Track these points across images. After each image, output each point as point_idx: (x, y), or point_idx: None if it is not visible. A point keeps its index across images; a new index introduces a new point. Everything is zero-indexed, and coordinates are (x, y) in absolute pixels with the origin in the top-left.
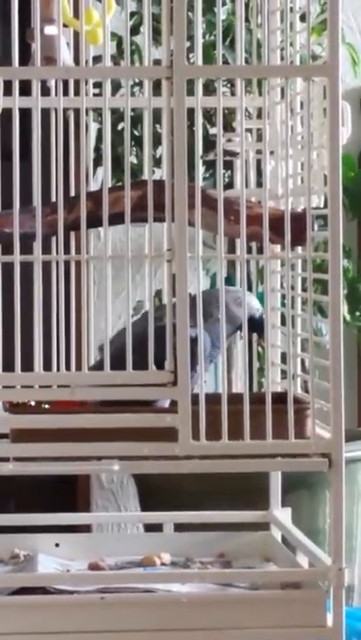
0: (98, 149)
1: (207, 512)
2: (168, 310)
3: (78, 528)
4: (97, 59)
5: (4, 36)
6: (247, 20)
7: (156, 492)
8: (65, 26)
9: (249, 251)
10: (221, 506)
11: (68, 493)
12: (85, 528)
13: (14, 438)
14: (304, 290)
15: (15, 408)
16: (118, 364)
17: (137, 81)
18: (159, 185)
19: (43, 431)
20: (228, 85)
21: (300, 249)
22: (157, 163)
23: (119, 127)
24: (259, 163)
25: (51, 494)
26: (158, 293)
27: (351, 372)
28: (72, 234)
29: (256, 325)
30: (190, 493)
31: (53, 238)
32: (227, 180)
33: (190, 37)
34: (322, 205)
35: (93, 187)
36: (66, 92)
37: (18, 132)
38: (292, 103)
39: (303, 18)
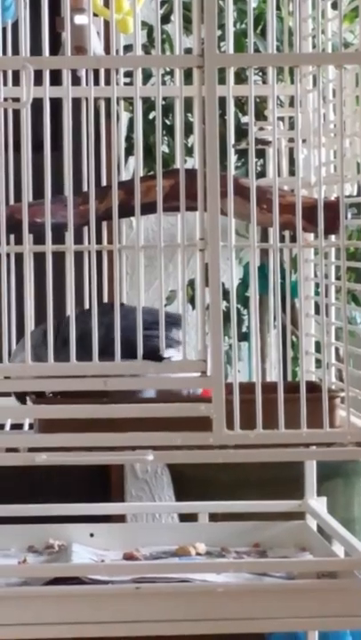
0: (129, 139)
1: (242, 502)
2: (199, 300)
3: (113, 518)
4: (127, 48)
5: (34, 26)
6: (278, 7)
7: (190, 482)
8: (95, 15)
9: (282, 239)
10: (256, 495)
11: (101, 484)
12: (120, 518)
13: (45, 429)
14: (338, 278)
15: (40, 398)
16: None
17: (168, 70)
18: (191, 174)
19: (74, 421)
20: (260, 74)
21: (333, 237)
22: (189, 152)
23: (150, 116)
24: (291, 151)
25: (84, 485)
26: (191, 283)
27: None
28: (104, 224)
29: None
30: (225, 483)
31: (85, 228)
32: (259, 168)
33: (221, 26)
34: (355, 193)
35: (125, 176)
36: (96, 82)
37: (49, 122)
38: (324, 91)
39: (335, 5)
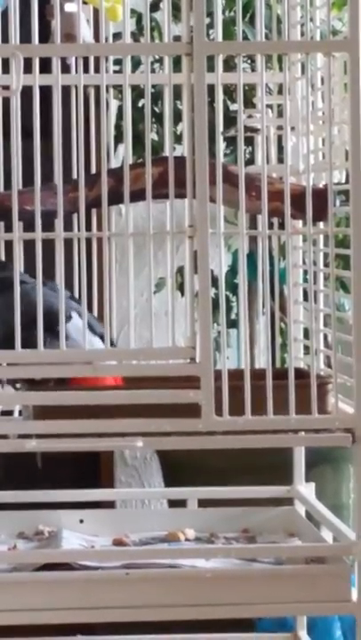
0: (118, 126)
1: (231, 487)
2: (188, 287)
3: (102, 504)
4: (117, 36)
5: (23, 14)
6: None
7: (179, 469)
8: (84, 3)
9: (270, 227)
10: (245, 481)
11: (91, 470)
12: (109, 504)
13: (36, 415)
14: (326, 265)
15: (32, 385)
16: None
17: (157, 58)
18: (180, 161)
19: (64, 408)
20: (249, 61)
21: (321, 224)
22: (178, 139)
23: (139, 104)
24: (280, 139)
25: (74, 471)
26: (180, 270)
27: None
28: (93, 211)
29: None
30: (214, 469)
31: (75, 216)
32: (248, 156)
33: (210, 14)
34: (343, 181)
35: (114, 164)
36: (86, 70)
37: (38, 109)
38: (312, 79)
39: None
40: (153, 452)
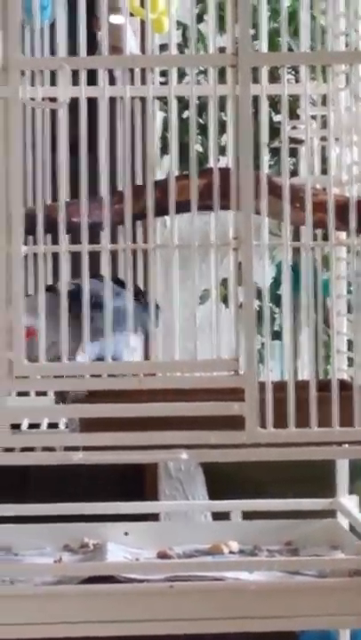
0: (164, 138)
1: (274, 500)
2: (232, 299)
3: (147, 517)
4: (162, 47)
5: (70, 26)
6: (311, 6)
7: (223, 480)
8: (131, 15)
9: (314, 238)
10: (287, 493)
11: (135, 483)
12: (154, 517)
13: (83, 427)
14: None
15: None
16: None
17: (202, 69)
18: (224, 173)
19: (109, 420)
20: (293, 72)
21: None
22: (222, 151)
23: (184, 115)
24: (323, 149)
25: (119, 483)
26: (224, 282)
27: None
28: (138, 223)
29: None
30: (256, 481)
31: (120, 227)
32: (292, 167)
33: (255, 25)
34: None
35: (159, 175)
36: (132, 81)
37: (85, 121)
38: (356, 89)
39: None
40: (197, 464)
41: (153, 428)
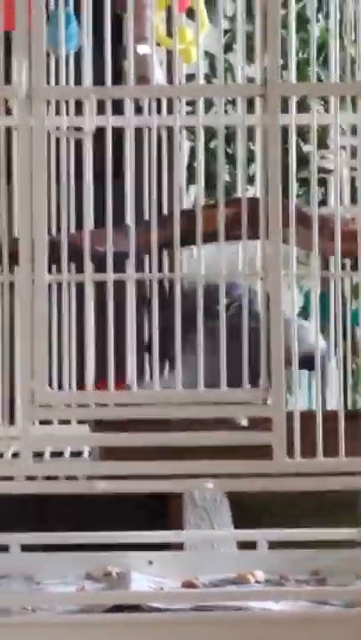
0: (190, 167)
1: (301, 530)
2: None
3: (170, 547)
4: (189, 77)
5: (96, 55)
6: (341, 36)
7: (248, 509)
8: (158, 45)
9: (343, 268)
10: (314, 522)
11: (159, 512)
12: (178, 547)
13: (103, 456)
14: None
15: (99, 426)
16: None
17: (230, 98)
18: (253, 202)
19: (132, 449)
20: (322, 102)
21: None
22: (251, 180)
23: (211, 145)
24: (353, 179)
25: (142, 512)
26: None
27: None
28: (165, 253)
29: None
30: (282, 510)
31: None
32: (321, 197)
33: (284, 55)
34: None
35: (186, 205)
36: (158, 111)
37: (111, 151)
38: None
39: None
40: (223, 493)
41: (179, 457)
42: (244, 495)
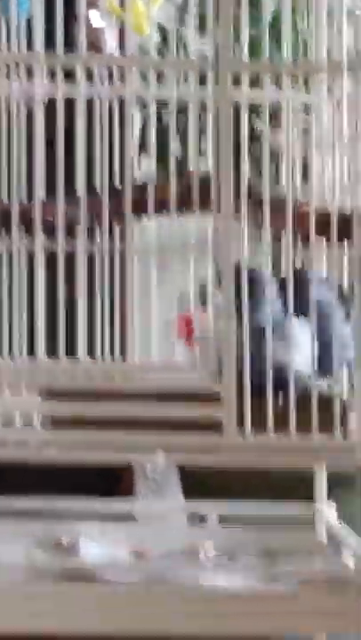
0: (141, 139)
1: (252, 503)
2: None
3: (122, 517)
4: (141, 49)
5: (48, 22)
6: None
7: (198, 483)
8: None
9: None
10: (266, 499)
11: (110, 482)
12: (129, 517)
13: (54, 425)
14: None
15: (51, 395)
16: None
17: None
18: (204, 177)
19: (84, 419)
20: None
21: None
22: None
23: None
24: (305, 158)
25: (92, 482)
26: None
27: None
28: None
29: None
30: (233, 486)
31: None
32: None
33: (236, 30)
34: None
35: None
36: (110, 81)
37: (62, 121)
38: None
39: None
40: (173, 466)
41: (129, 429)
42: (199, 471)
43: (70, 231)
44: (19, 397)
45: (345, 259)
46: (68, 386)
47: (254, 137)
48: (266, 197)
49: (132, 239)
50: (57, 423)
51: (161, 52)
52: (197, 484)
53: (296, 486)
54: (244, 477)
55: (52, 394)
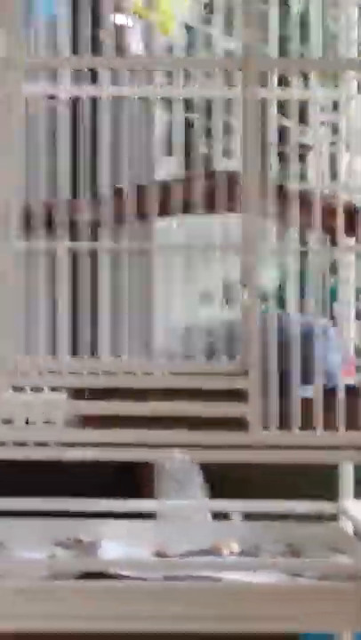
0: (167, 139)
1: (277, 501)
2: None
3: (144, 516)
4: (167, 49)
5: (74, 25)
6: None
7: (224, 481)
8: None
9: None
10: (291, 496)
11: (131, 481)
12: (149, 517)
13: (83, 424)
14: None
15: (77, 394)
16: None
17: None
18: (231, 176)
19: (111, 418)
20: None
21: None
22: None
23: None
24: (332, 155)
25: (114, 481)
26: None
27: None
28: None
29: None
30: (259, 483)
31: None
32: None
33: (265, 30)
34: None
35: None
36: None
37: (89, 120)
38: None
39: None
40: (196, 464)
41: (154, 427)
42: (225, 467)
43: (94, 230)
44: (42, 395)
45: None
46: (93, 384)
47: (282, 135)
48: (294, 194)
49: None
50: (83, 422)
51: (187, 52)
52: (222, 480)
53: (324, 484)
54: (271, 475)
55: (78, 392)
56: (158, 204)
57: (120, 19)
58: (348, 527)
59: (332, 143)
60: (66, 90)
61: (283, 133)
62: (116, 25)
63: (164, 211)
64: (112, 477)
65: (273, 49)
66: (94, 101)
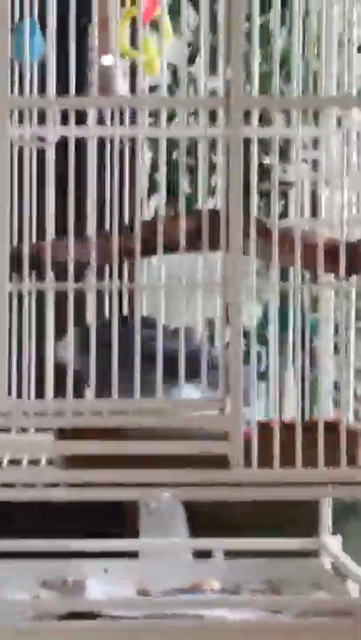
0: (151, 178)
1: (257, 539)
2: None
3: (126, 555)
4: (151, 89)
5: (60, 66)
6: (304, 51)
7: (204, 519)
8: (122, 56)
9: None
10: (270, 533)
11: (115, 520)
12: (133, 555)
13: (65, 464)
14: (359, 318)
15: (62, 434)
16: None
17: (192, 111)
18: (214, 214)
19: (92, 457)
20: (285, 116)
21: (355, 278)
22: (212, 192)
23: (173, 156)
24: (314, 193)
25: (97, 520)
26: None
27: None
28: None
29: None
30: (239, 520)
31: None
32: (281, 209)
33: (247, 68)
34: None
35: (147, 216)
36: (121, 122)
37: (73, 161)
38: (348, 133)
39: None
40: (179, 502)
41: (136, 466)
42: (203, 504)
43: (79, 270)
44: (27, 436)
45: (353, 292)
46: (77, 424)
47: (263, 172)
48: (275, 232)
49: (142, 277)
50: (65, 462)
51: (171, 91)
52: (205, 518)
53: (304, 520)
54: (250, 511)
55: (64, 432)
56: (142, 243)
57: (107, 59)
58: (328, 563)
59: (313, 182)
60: (52, 133)
61: (264, 171)
62: (102, 66)
63: (149, 250)
64: (99, 516)
65: (254, 87)
66: (79, 142)
